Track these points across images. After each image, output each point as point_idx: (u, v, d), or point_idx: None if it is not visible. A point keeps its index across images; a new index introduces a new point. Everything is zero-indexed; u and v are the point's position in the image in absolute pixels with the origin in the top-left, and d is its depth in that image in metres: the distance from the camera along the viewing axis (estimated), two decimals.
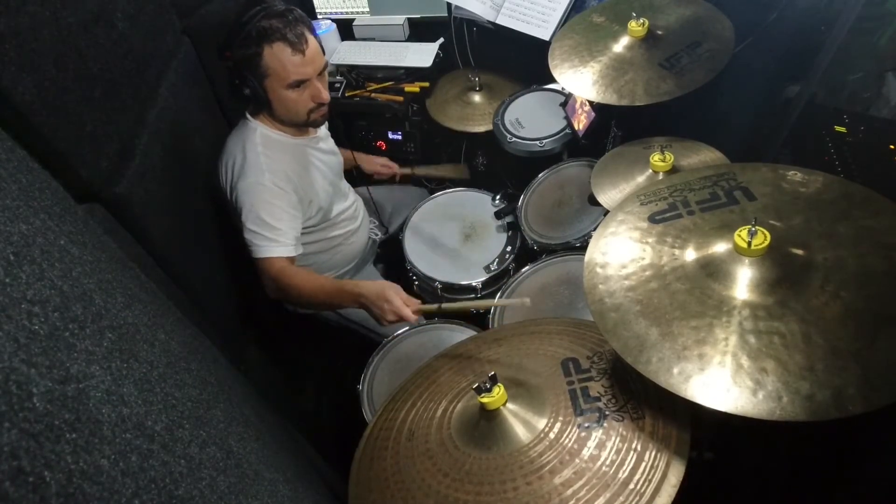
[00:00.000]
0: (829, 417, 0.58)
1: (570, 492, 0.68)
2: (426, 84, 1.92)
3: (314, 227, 1.47)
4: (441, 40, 1.95)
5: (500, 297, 1.35)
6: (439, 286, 1.49)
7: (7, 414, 0.32)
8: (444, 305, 1.20)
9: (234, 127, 1.38)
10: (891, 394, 0.58)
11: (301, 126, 1.39)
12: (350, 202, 1.62)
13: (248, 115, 1.35)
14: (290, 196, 1.33)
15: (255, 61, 1.23)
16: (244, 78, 1.26)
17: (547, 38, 1.58)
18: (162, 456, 0.46)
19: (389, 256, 1.85)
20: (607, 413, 0.76)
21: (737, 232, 0.74)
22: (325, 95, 1.32)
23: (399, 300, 1.20)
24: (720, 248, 0.76)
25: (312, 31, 1.27)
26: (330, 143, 1.56)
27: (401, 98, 1.87)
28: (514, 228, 1.57)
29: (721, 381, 0.64)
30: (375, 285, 1.24)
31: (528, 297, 1.13)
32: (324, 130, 1.53)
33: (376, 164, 1.85)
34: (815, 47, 1.23)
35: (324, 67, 1.31)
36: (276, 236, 1.29)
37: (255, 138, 1.32)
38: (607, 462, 0.70)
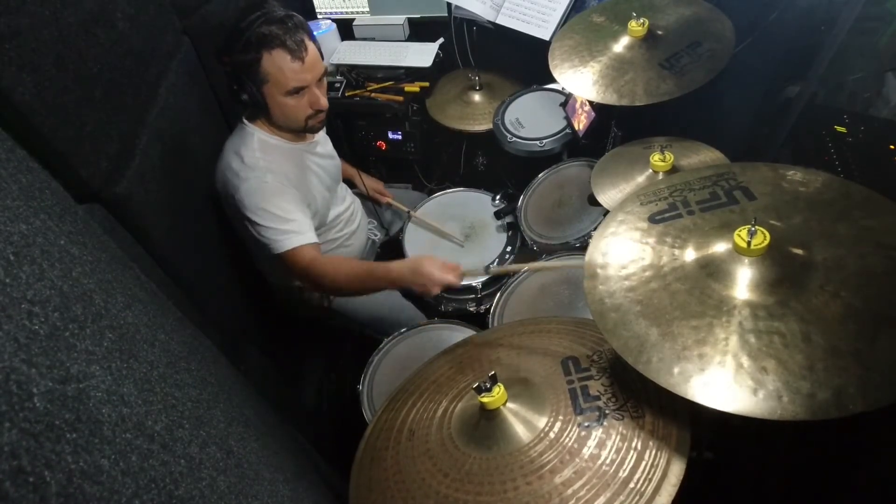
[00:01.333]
0: (830, 417, 0.58)
1: (570, 491, 0.69)
2: (426, 84, 1.92)
3: None
4: (441, 40, 1.95)
5: (501, 296, 1.35)
6: None
7: (7, 414, 0.32)
8: (492, 269, 1.23)
9: (233, 131, 1.38)
10: (891, 393, 0.58)
11: (299, 132, 1.38)
12: (347, 205, 1.61)
13: (245, 120, 1.34)
14: (293, 191, 1.32)
15: (253, 67, 1.22)
16: (242, 83, 1.25)
17: (547, 38, 1.58)
18: (162, 456, 0.46)
19: (389, 257, 1.85)
20: (607, 412, 0.76)
21: (736, 232, 0.74)
22: (324, 102, 1.32)
23: (437, 271, 1.19)
24: (720, 247, 0.76)
25: (312, 37, 1.27)
26: (328, 148, 1.55)
27: (401, 98, 1.87)
28: (513, 228, 1.57)
29: (721, 381, 0.64)
30: (407, 263, 1.24)
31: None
32: (322, 134, 1.52)
33: (373, 190, 1.83)
34: (815, 47, 1.23)
35: (323, 74, 1.31)
36: (293, 227, 1.27)
37: (252, 143, 1.31)
38: (607, 461, 0.70)
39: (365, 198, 1.81)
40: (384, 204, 1.85)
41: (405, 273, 1.22)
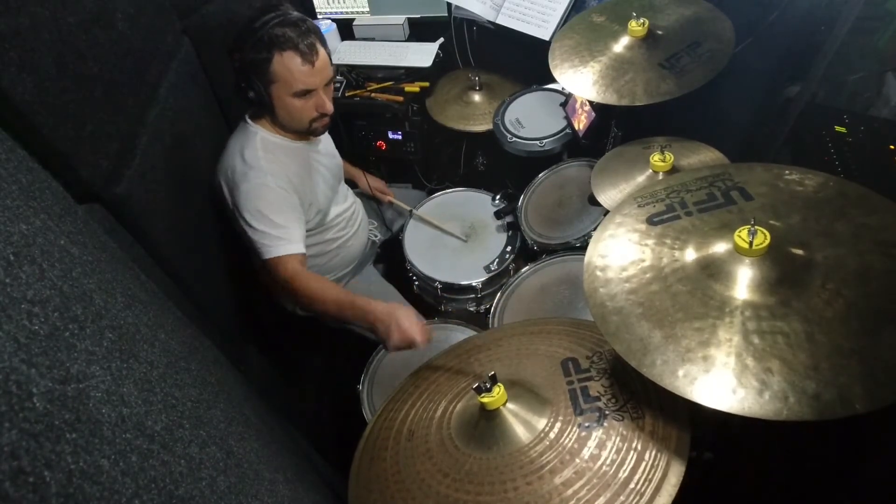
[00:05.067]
0: (836, 416, 0.58)
1: (570, 492, 0.68)
2: (426, 84, 1.92)
3: (312, 230, 1.47)
4: (441, 40, 1.95)
5: (501, 297, 1.35)
6: (439, 286, 1.49)
7: (7, 414, 0.32)
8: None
9: (234, 129, 1.38)
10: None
11: (302, 133, 1.39)
12: (348, 205, 1.62)
13: (249, 119, 1.35)
14: (293, 197, 1.33)
15: (263, 66, 1.23)
16: (250, 81, 1.26)
17: (547, 38, 1.58)
18: (162, 456, 0.46)
19: (389, 257, 1.85)
20: (607, 413, 0.76)
21: (737, 232, 0.73)
22: (329, 107, 1.34)
23: (408, 322, 1.14)
24: (720, 248, 0.76)
25: (324, 42, 1.29)
26: (329, 146, 1.56)
27: (401, 98, 1.87)
28: (514, 228, 1.57)
29: (727, 383, 0.63)
30: (387, 304, 1.20)
31: None
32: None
33: (375, 189, 1.83)
34: (815, 47, 1.23)
35: (331, 79, 1.33)
36: (284, 234, 1.28)
37: (255, 142, 1.32)
38: (607, 462, 0.70)
39: (367, 197, 1.81)
40: (386, 203, 1.86)
41: (382, 312, 1.17)
